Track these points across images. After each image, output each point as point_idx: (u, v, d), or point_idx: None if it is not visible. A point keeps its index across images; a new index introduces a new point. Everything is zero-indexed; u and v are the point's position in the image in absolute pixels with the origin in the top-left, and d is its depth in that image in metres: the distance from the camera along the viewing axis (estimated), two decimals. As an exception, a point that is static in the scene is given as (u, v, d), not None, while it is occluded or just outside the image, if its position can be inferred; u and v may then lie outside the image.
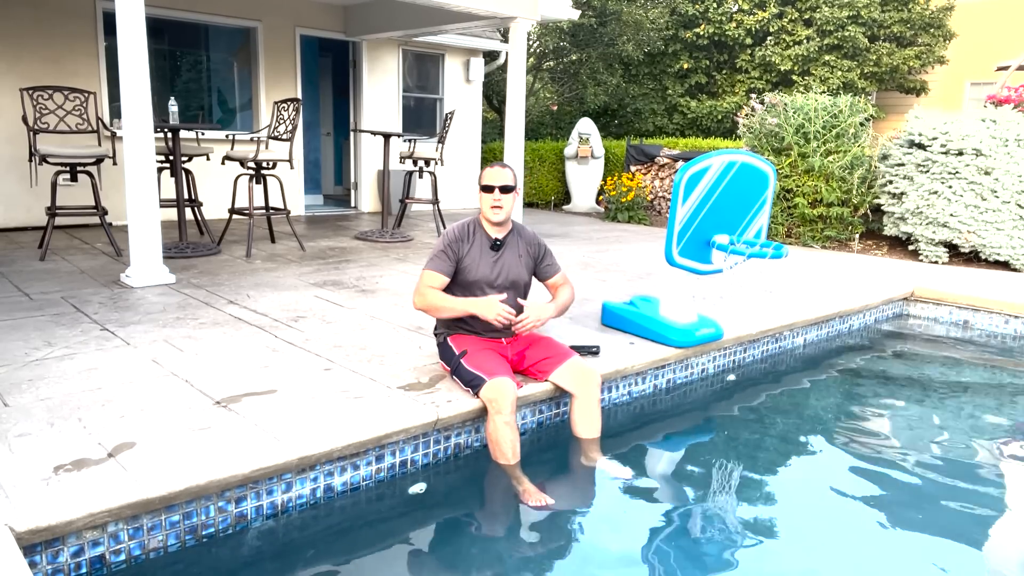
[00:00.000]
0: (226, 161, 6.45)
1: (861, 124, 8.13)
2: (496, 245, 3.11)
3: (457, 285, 3.10)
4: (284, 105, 6.51)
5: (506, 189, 3.03)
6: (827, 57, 12.64)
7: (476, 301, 3.01)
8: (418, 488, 2.70)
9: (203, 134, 7.60)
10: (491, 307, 2.96)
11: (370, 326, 4.01)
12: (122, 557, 2.14)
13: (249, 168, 6.36)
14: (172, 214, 6.23)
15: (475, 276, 3.07)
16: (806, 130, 7.93)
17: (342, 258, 6.19)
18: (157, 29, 7.80)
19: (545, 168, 11.83)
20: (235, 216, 6.81)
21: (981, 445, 3.43)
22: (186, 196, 6.38)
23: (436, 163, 7.46)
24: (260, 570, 2.23)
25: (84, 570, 2.07)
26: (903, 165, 7.47)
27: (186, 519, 2.24)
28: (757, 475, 3.07)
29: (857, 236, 8.04)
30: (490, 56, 11.93)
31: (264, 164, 6.35)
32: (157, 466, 2.25)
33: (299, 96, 8.90)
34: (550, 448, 3.18)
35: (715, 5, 13.53)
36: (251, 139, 7.54)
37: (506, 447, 2.82)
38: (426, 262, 3.10)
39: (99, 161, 5.67)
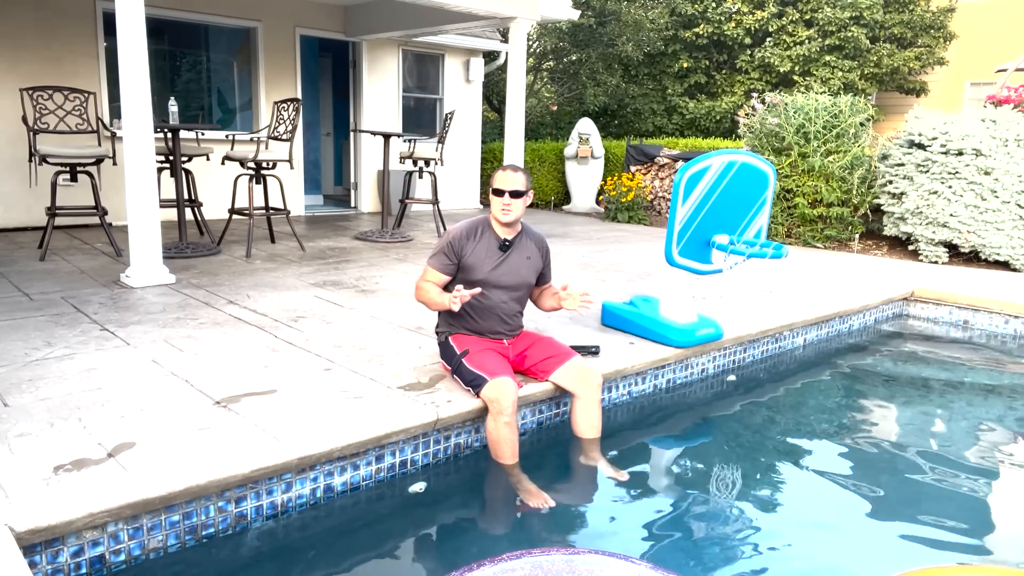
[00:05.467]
0: (226, 161, 6.45)
1: (861, 124, 8.13)
2: (504, 246, 3.11)
3: (464, 283, 3.10)
4: (284, 105, 6.51)
5: (516, 194, 3.00)
6: (827, 57, 12.65)
7: (443, 295, 3.01)
8: (418, 488, 2.70)
9: (203, 134, 7.59)
10: (446, 297, 2.94)
11: (370, 326, 4.01)
12: (122, 557, 2.14)
13: (249, 168, 6.36)
14: (172, 214, 6.23)
15: (481, 275, 3.07)
16: (806, 130, 7.93)
17: (342, 258, 6.19)
18: (157, 29, 7.80)
19: (545, 168, 11.84)
20: (235, 216, 6.81)
21: (981, 445, 3.43)
22: (186, 196, 6.38)
23: (436, 163, 7.46)
24: (260, 570, 2.23)
25: (84, 570, 2.07)
26: (903, 165, 7.47)
27: (186, 519, 2.24)
28: (757, 475, 3.07)
29: (857, 236, 8.04)
30: (490, 56, 11.93)
31: (264, 164, 6.35)
32: (157, 466, 2.25)
33: (299, 96, 8.90)
34: (550, 448, 3.18)
35: (714, 5, 13.53)
36: (251, 139, 7.54)
37: (506, 447, 2.82)
38: (429, 256, 3.12)
39: (99, 161, 5.67)
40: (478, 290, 2.98)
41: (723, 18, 13.44)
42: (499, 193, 3.00)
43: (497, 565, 1.39)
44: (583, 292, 3.13)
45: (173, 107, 6.03)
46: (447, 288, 3.11)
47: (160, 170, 5.69)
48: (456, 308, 2.89)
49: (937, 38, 13.30)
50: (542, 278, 3.32)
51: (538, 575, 1.35)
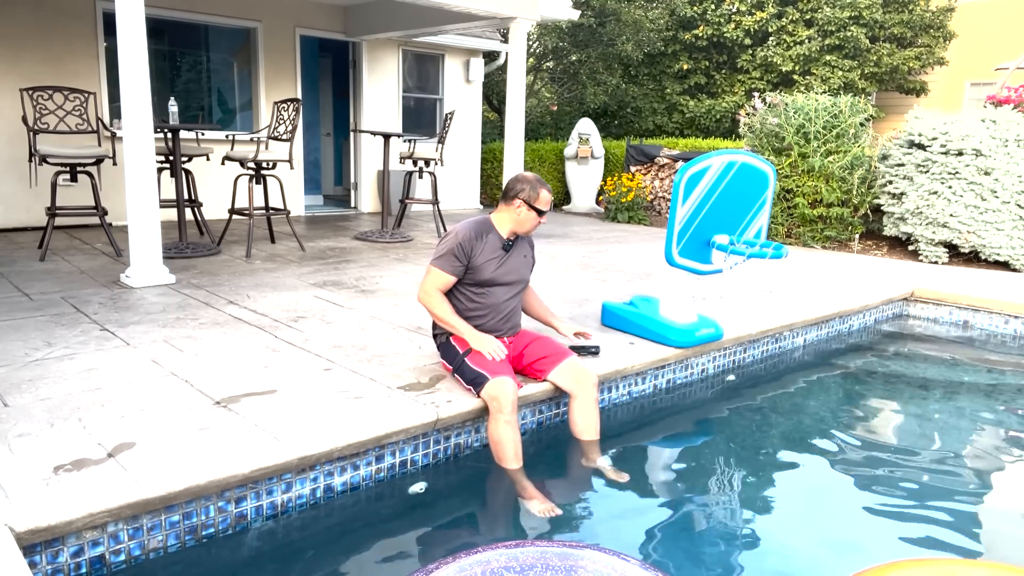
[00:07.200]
0: (226, 161, 6.45)
1: (861, 124, 8.13)
2: (507, 245, 3.16)
3: (469, 284, 3.11)
4: (284, 105, 6.51)
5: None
6: (828, 57, 12.65)
7: (476, 334, 3.03)
8: (418, 488, 2.70)
9: (203, 134, 7.60)
10: (486, 344, 2.99)
11: (370, 326, 4.01)
12: (122, 557, 2.14)
13: (249, 168, 6.36)
14: (172, 214, 6.23)
15: (488, 275, 3.09)
16: (806, 130, 7.93)
17: (342, 258, 6.19)
18: (157, 29, 7.80)
19: (545, 168, 11.83)
20: (235, 216, 6.81)
21: (980, 445, 3.43)
22: (186, 196, 6.38)
23: (436, 163, 7.47)
24: (260, 570, 2.23)
25: (84, 570, 2.07)
26: (903, 165, 7.47)
27: (186, 519, 2.24)
28: (757, 475, 3.07)
29: (857, 236, 8.04)
30: (490, 56, 11.93)
31: (264, 164, 6.35)
32: (157, 466, 2.25)
33: (299, 96, 8.91)
34: (550, 448, 3.18)
35: (713, 7, 13.53)
36: (251, 139, 7.54)
37: (508, 448, 2.82)
38: (434, 257, 3.07)
39: (99, 161, 5.67)
40: (507, 340, 3.16)
41: (722, 20, 13.44)
42: (541, 213, 3.13)
43: (473, 556, 1.40)
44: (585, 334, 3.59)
45: (173, 107, 6.03)
46: (450, 292, 3.12)
47: (160, 170, 5.69)
48: (498, 359, 2.97)
49: (937, 38, 13.30)
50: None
51: (513, 566, 1.36)
